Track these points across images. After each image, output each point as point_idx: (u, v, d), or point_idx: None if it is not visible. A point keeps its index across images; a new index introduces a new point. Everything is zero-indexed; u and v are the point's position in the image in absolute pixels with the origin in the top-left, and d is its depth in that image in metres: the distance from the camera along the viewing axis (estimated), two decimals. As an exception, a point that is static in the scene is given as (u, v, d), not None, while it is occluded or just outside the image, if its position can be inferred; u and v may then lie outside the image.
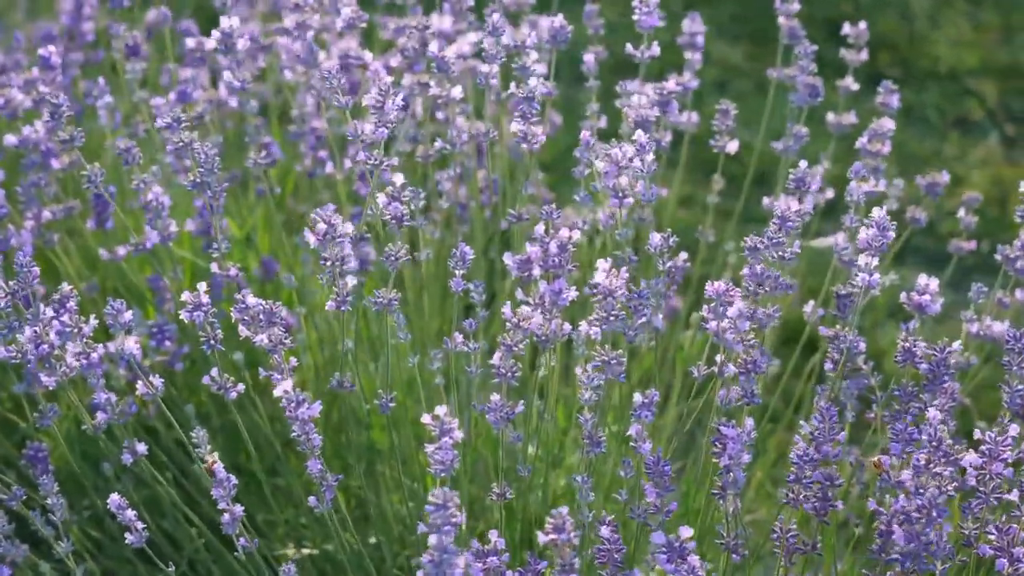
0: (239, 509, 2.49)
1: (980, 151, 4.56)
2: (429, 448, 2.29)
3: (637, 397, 2.39)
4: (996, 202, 3.10)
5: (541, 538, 2.23)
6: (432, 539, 2.11)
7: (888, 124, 2.88)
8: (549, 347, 2.54)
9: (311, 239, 2.43)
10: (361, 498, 3.11)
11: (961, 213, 3.09)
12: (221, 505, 2.48)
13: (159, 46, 3.60)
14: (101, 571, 2.96)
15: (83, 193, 3.18)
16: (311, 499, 2.47)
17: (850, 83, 3.13)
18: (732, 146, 2.99)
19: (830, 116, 3.14)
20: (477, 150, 3.24)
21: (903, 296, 2.62)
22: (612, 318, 2.37)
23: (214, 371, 2.55)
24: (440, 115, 3.11)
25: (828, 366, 2.66)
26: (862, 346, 2.59)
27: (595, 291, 2.38)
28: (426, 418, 2.28)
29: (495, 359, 2.42)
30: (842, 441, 2.44)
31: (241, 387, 2.56)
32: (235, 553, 2.56)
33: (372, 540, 3.00)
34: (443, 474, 2.31)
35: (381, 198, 2.49)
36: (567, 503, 3.08)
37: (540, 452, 2.79)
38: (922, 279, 2.60)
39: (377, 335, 3.20)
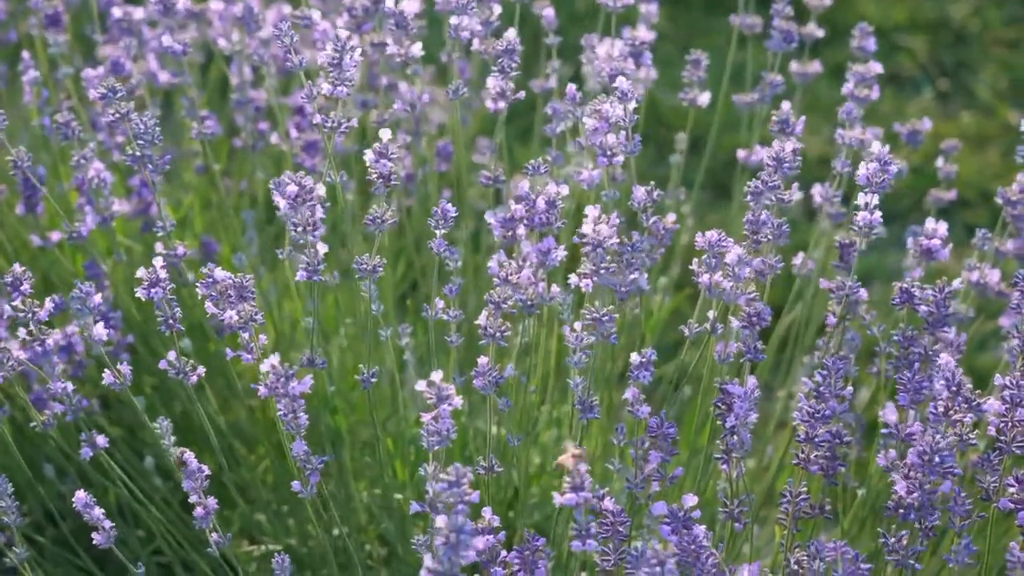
0: (212, 502, 2.31)
1: (914, 106, 4.48)
2: (425, 417, 2.13)
3: (634, 357, 2.25)
4: (934, 156, 2.99)
5: (557, 499, 2.07)
6: (440, 520, 1.95)
7: (876, 67, 2.76)
8: (535, 312, 2.39)
9: (280, 203, 2.26)
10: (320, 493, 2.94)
11: (940, 163, 2.99)
12: (193, 498, 2.30)
13: (79, 26, 3.41)
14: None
15: (10, 179, 2.98)
16: (294, 484, 2.29)
17: (813, 29, 3.00)
18: (703, 98, 2.87)
19: (794, 65, 3.01)
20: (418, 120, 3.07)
21: (909, 242, 2.50)
22: (603, 271, 2.22)
23: (171, 355, 2.37)
24: (386, 80, 2.94)
25: (830, 320, 2.53)
26: (863, 294, 2.47)
27: (584, 241, 2.23)
28: (421, 385, 2.12)
29: (481, 320, 2.26)
30: (848, 397, 2.31)
31: (202, 370, 2.38)
32: (207, 549, 2.38)
33: (335, 532, 2.83)
34: (438, 446, 2.15)
35: (369, 155, 2.32)
36: (542, 482, 2.94)
37: (513, 427, 2.63)
38: (930, 223, 2.47)
39: (332, 314, 3.03)
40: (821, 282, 2.55)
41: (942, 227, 2.48)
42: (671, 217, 2.55)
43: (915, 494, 2.17)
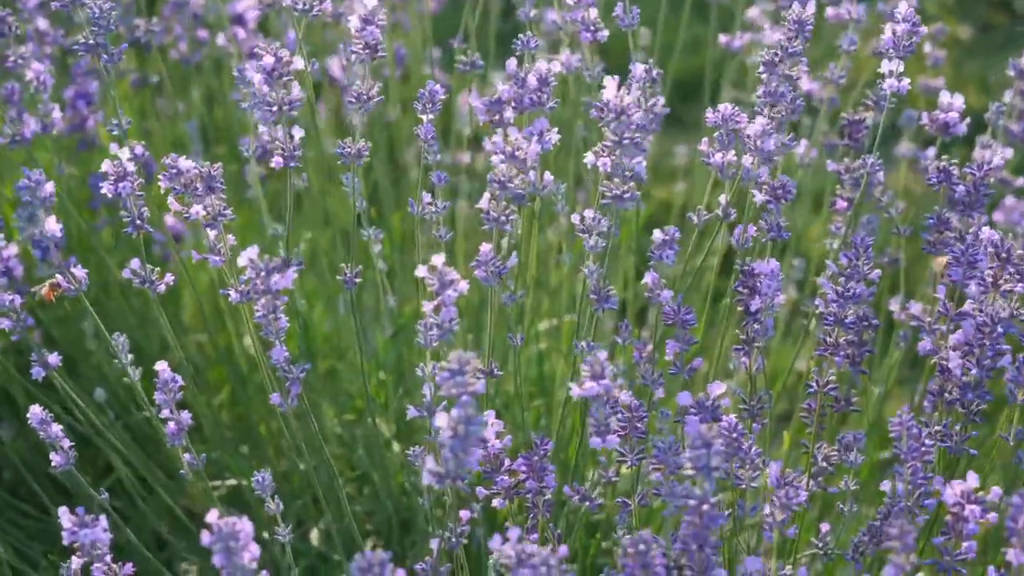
0: (186, 416, 2.08)
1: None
2: (427, 306, 1.91)
3: (657, 234, 2.04)
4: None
5: (575, 391, 1.87)
6: (441, 418, 1.74)
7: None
8: (526, 204, 2.18)
9: (255, 78, 2.03)
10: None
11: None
12: (164, 413, 2.07)
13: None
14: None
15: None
16: (273, 396, 2.07)
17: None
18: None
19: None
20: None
21: (925, 118, 2.31)
22: (626, 141, 2.01)
23: (135, 262, 2.14)
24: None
25: (840, 205, 2.35)
26: (881, 175, 2.29)
27: (603, 113, 2.02)
28: (421, 271, 1.91)
29: (483, 203, 2.05)
30: (875, 280, 2.13)
31: (170, 278, 2.15)
32: (180, 472, 2.15)
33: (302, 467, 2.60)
34: (438, 340, 1.93)
35: (354, 22, 2.09)
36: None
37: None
38: (944, 96, 2.29)
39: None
40: (828, 164, 2.37)
41: (958, 100, 2.31)
42: (660, 100, 2.36)
43: (973, 371, 1.98)
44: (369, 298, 2.76)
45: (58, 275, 2.08)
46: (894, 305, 2.54)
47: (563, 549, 1.81)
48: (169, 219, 2.77)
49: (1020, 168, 2.91)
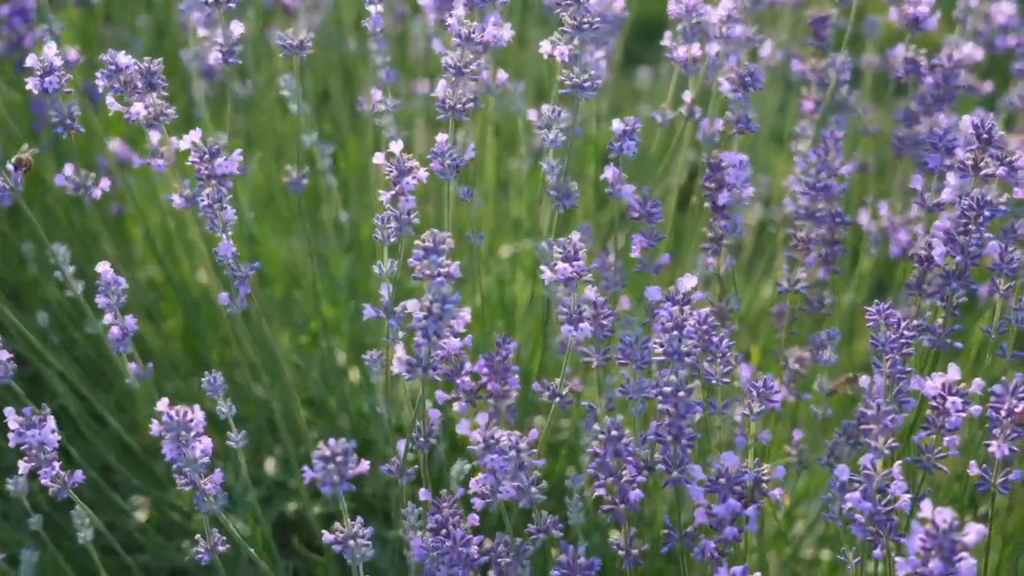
0: (131, 321, 1.98)
1: None
2: (383, 196, 1.83)
3: (617, 124, 1.95)
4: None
5: (547, 276, 1.79)
6: (411, 304, 1.66)
7: None
8: (478, 106, 2.10)
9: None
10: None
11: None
12: (108, 318, 1.97)
13: None
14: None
15: None
16: (222, 295, 1.97)
17: None
18: None
19: None
20: None
21: (893, 13, 2.24)
22: (585, 26, 1.92)
23: (69, 168, 2.04)
24: None
25: (808, 106, 2.28)
26: (846, 75, 2.22)
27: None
28: (379, 157, 1.82)
29: (438, 91, 1.96)
30: (846, 177, 2.06)
31: (107, 183, 2.05)
32: (127, 381, 2.06)
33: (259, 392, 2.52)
34: (397, 235, 1.85)
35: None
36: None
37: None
38: (914, -15, 2.23)
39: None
40: (793, 64, 2.30)
41: (928, -9, 2.24)
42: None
43: (957, 258, 1.90)
44: (327, 220, 2.67)
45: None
46: (863, 218, 2.47)
47: (533, 432, 1.73)
48: (115, 144, 2.68)
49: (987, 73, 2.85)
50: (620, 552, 1.84)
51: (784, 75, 2.74)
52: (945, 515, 1.58)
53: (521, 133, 2.51)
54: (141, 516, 2.46)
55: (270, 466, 2.50)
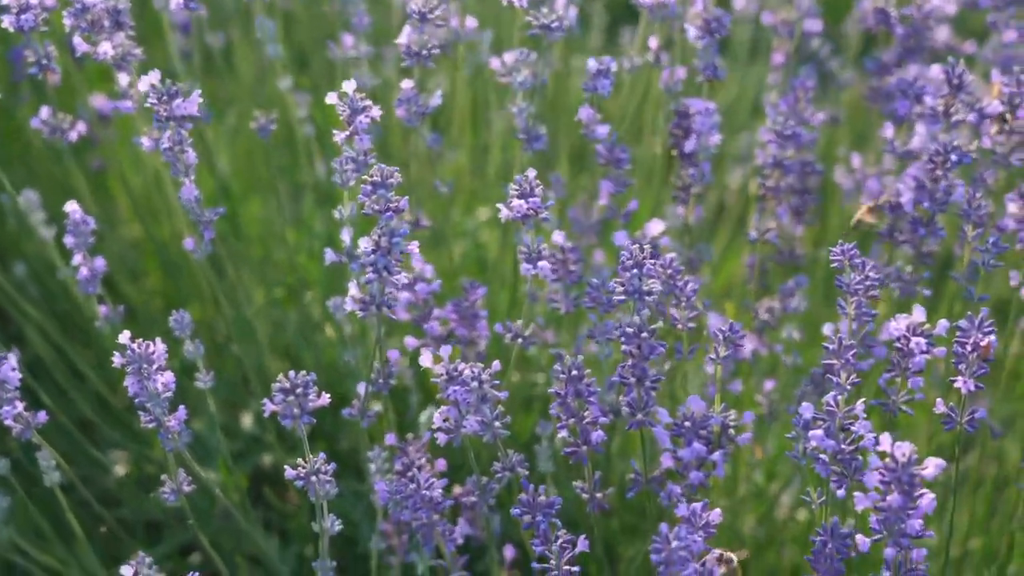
0: (100, 262, 1.99)
1: None
2: (338, 136, 1.83)
3: (591, 63, 1.95)
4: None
5: (504, 213, 1.78)
6: (363, 241, 1.66)
7: None
8: (428, 59, 2.09)
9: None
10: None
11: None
12: (77, 258, 1.97)
13: None
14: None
15: None
16: (187, 241, 1.97)
17: None
18: None
19: None
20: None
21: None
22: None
23: (45, 111, 2.05)
24: None
25: (777, 59, 2.28)
26: (817, 26, 2.21)
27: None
28: (331, 97, 1.82)
29: (402, 38, 1.96)
30: (817, 126, 2.06)
31: (83, 126, 2.05)
32: (95, 323, 2.06)
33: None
34: (355, 178, 1.85)
35: None
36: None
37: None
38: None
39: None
40: (764, 16, 2.30)
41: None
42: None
43: (925, 204, 1.90)
44: (305, 175, 2.67)
45: None
46: (839, 174, 2.47)
47: (496, 364, 1.72)
48: (98, 100, 2.68)
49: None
50: (584, 496, 1.84)
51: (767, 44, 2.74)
52: (904, 448, 1.58)
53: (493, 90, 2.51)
54: (120, 471, 2.46)
55: (247, 421, 2.51)
